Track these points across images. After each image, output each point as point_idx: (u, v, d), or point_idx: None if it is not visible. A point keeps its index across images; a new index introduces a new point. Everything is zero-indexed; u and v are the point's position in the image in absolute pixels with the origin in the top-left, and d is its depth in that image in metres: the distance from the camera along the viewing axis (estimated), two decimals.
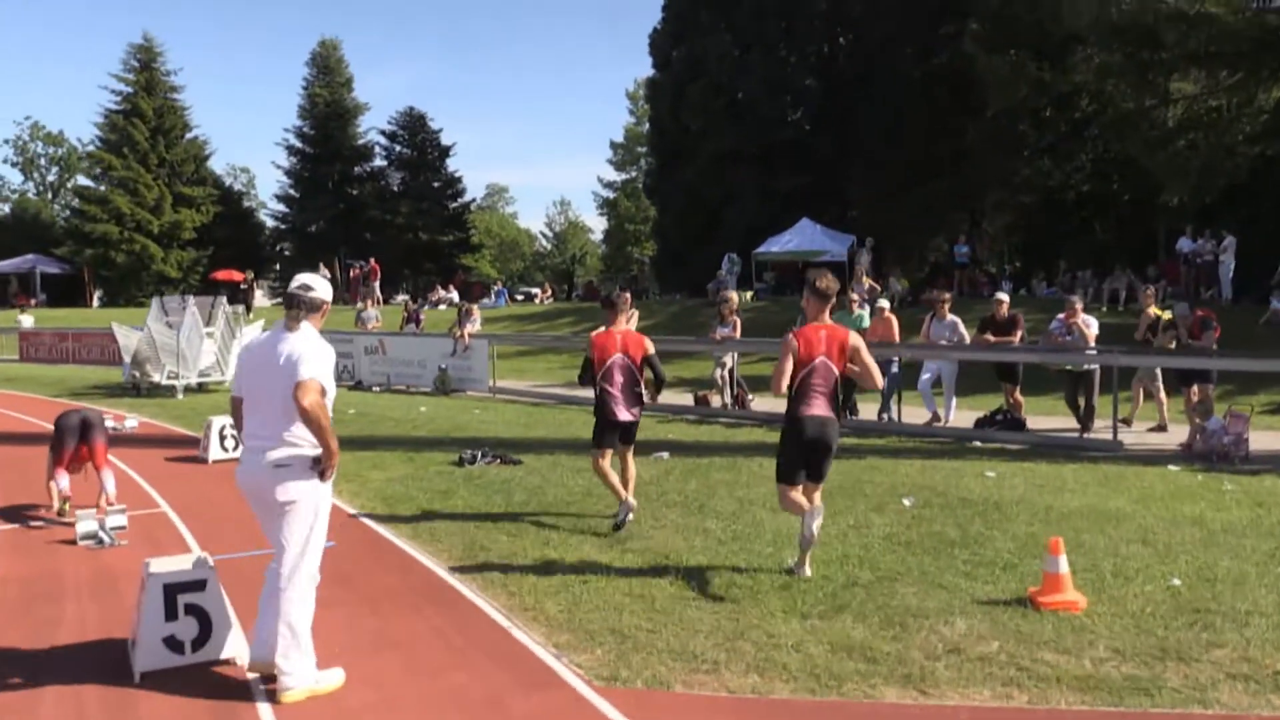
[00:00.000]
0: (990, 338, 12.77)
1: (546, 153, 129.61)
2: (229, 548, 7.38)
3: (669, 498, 8.98)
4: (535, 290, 56.19)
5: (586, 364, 8.08)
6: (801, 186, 38.91)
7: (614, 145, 70.47)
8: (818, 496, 6.68)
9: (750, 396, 15.30)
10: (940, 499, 8.82)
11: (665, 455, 11.09)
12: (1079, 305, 12.49)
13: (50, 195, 66.87)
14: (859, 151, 38.46)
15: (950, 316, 13.19)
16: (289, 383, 4.55)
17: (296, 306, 4.77)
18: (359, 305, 24.74)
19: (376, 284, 38.28)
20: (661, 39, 44.30)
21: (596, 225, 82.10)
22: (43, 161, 69.03)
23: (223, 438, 11.46)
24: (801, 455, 6.43)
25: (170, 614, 5.00)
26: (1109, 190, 35.19)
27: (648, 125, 55.61)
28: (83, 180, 57.64)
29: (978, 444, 11.93)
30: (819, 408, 6.35)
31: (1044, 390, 14.64)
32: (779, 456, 6.59)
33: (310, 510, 4.72)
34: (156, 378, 19.35)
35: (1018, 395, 12.83)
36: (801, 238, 34.49)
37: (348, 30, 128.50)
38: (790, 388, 6.38)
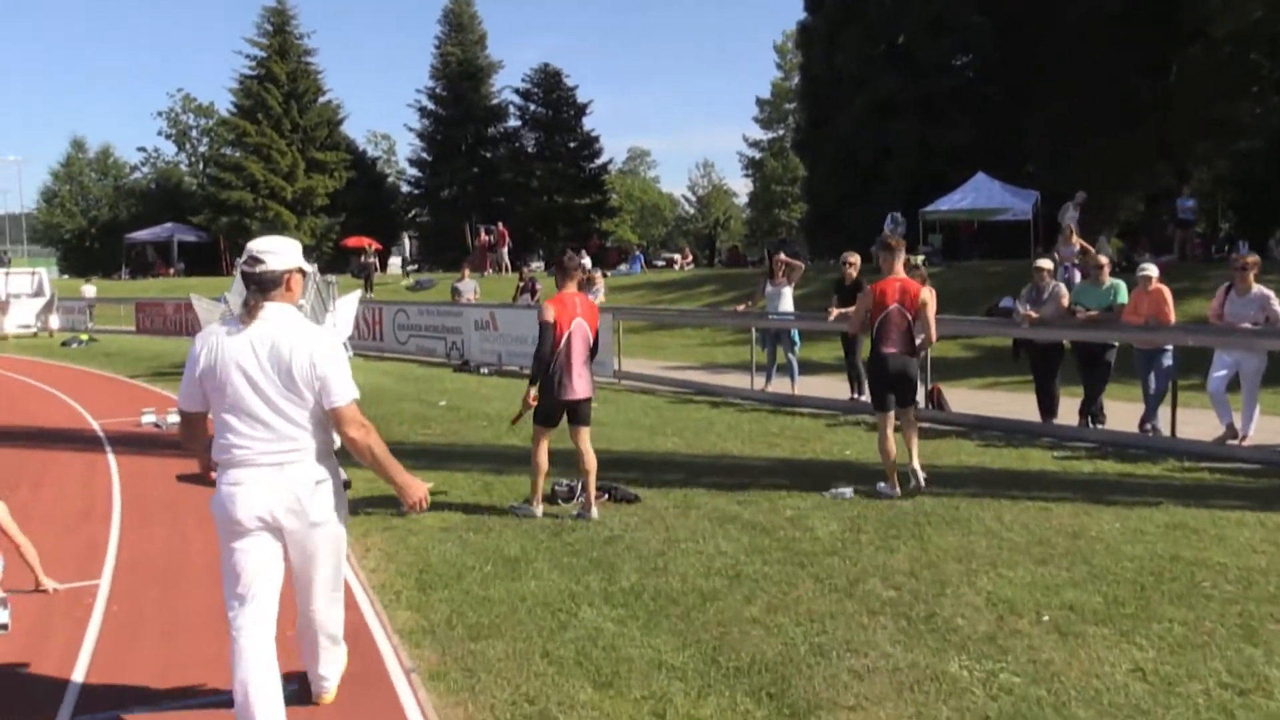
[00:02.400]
0: None
1: (689, 116, 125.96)
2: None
3: (870, 591, 5.49)
4: (675, 256, 53.04)
5: (547, 331, 7.07)
6: (970, 139, 34.57)
7: (760, 102, 66.51)
8: (916, 447, 7.84)
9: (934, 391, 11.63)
10: (1225, 601, 5.09)
11: (848, 493, 7.61)
12: None
13: (201, 166, 67.33)
14: (1037, 97, 33.73)
15: (1257, 288, 9.19)
16: (300, 390, 3.75)
17: (251, 287, 3.79)
18: (462, 275, 21.87)
19: (505, 250, 35.74)
20: None
21: (740, 189, 78.63)
22: (194, 133, 69.79)
23: None
24: (889, 385, 7.75)
25: None
26: None
27: (797, 78, 51.49)
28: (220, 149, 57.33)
29: None
30: (895, 345, 7.71)
31: None
32: (871, 389, 8.24)
33: (341, 530, 4.04)
34: None
35: None
36: (977, 194, 30.18)
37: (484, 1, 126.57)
38: (871, 331, 7.78)
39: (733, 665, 4.50)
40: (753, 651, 4.64)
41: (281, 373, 3.73)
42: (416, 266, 48.63)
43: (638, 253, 37.47)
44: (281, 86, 51.56)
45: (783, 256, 13.39)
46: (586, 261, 33.21)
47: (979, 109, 35.81)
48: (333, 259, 46.94)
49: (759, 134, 67.33)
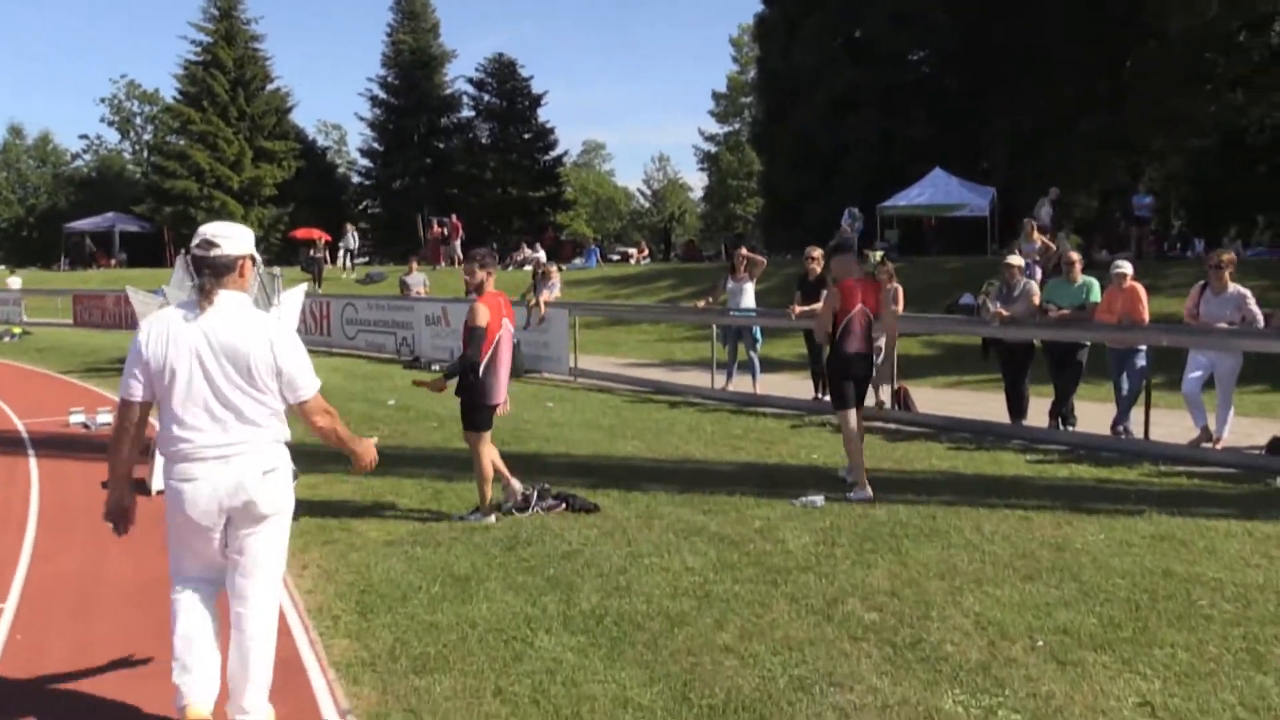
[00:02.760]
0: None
1: (644, 109, 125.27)
2: None
3: (851, 613, 5.09)
4: (631, 250, 52.54)
5: (478, 337, 6.77)
6: (928, 133, 34.50)
7: (716, 96, 66.17)
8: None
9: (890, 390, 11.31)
10: (1226, 623, 4.78)
11: (818, 501, 7.22)
12: None
13: (145, 155, 65.50)
14: (996, 92, 33.74)
15: (1233, 287, 8.94)
16: (257, 382, 3.63)
17: (204, 272, 3.63)
18: (410, 268, 21.22)
19: (458, 243, 34.97)
20: None
21: (696, 184, 78.30)
22: (138, 120, 68.00)
23: None
24: (851, 382, 7.74)
25: None
26: None
27: (754, 71, 51.30)
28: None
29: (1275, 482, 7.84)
30: (859, 345, 7.74)
31: None
32: (832, 387, 7.96)
33: (289, 520, 3.90)
34: None
35: None
36: (934, 190, 30.19)
37: None
38: (835, 332, 7.73)
39: (706, 703, 4.08)
40: (727, 686, 4.22)
41: (238, 364, 3.60)
42: (366, 259, 47.64)
43: (593, 246, 36.88)
44: (228, 73, 50.30)
45: (744, 251, 13.01)
46: (541, 255, 32.76)
47: (938, 103, 35.78)
48: (281, 250, 45.90)
49: (715, 128, 67.08)
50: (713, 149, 67.19)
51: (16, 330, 25.25)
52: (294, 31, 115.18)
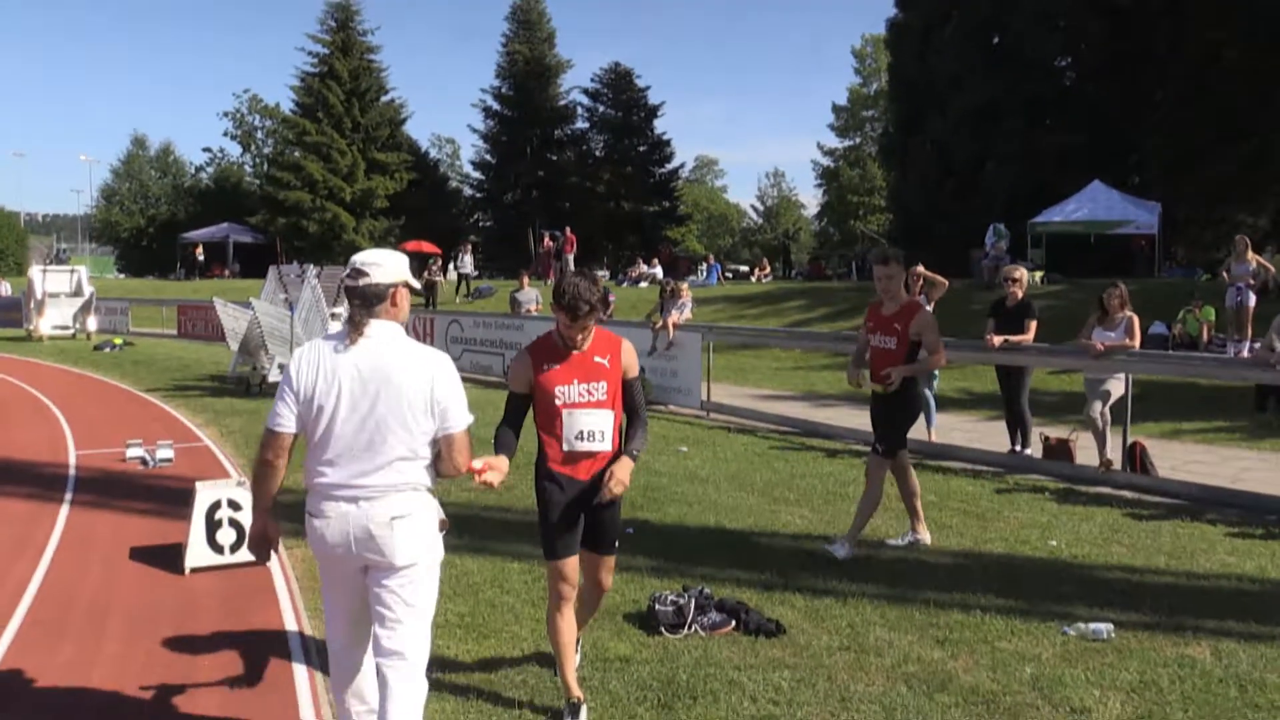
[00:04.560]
0: None
1: (758, 126, 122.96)
2: None
3: None
4: (744, 267, 50.27)
5: (519, 405, 4.16)
6: (1075, 145, 31.47)
7: (836, 109, 63.60)
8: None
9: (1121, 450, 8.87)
10: None
11: (1104, 631, 4.95)
12: None
13: (264, 167, 65.95)
14: (1152, 102, 30.61)
15: None
16: (409, 417, 3.40)
17: (355, 302, 3.46)
18: (521, 283, 19.35)
19: (571, 257, 33.34)
20: None
21: (809, 200, 75.79)
22: (259, 134, 68.77)
23: (215, 528, 6.18)
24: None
25: None
26: None
27: (885, 78, 48.86)
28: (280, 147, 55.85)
29: None
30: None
31: None
32: (902, 429, 6.54)
33: (434, 571, 3.57)
34: (269, 373, 14.62)
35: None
36: (1094, 205, 27.27)
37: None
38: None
39: None
40: None
41: (389, 398, 3.40)
42: (478, 275, 46.53)
43: (714, 263, 34.73)
44: (343, 84, 49.96)
45: (922, 269, 10.73)
46: (658, 271, 30.82)
47: (1087, 113, 32.75)
48: None
49: (834, 142, 64.47)
50: (831, 164, 64.60)
51: (118, 341, 24.41)
52: (410, 43, 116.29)
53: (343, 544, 3.41)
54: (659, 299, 14.92)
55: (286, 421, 3.44)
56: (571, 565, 4.07)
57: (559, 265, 33.02)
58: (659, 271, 31.17)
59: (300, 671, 4.71)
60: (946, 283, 10.75)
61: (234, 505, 6.21)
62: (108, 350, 23.04)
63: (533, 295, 18.36)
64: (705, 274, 32.97)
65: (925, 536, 6.65)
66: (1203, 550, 6.51)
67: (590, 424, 4.03)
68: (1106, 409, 8.79)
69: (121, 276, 53.34)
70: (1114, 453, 8.78)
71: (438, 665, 4.64)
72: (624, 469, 4.02)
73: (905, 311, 6.39)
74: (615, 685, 4.29)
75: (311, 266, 15.34)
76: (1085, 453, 9.13)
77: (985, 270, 23.71)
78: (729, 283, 33.43)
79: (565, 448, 4.04)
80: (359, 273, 3.44)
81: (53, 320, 27.09)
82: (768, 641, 4.87)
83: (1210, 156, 28.98)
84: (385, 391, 3.38)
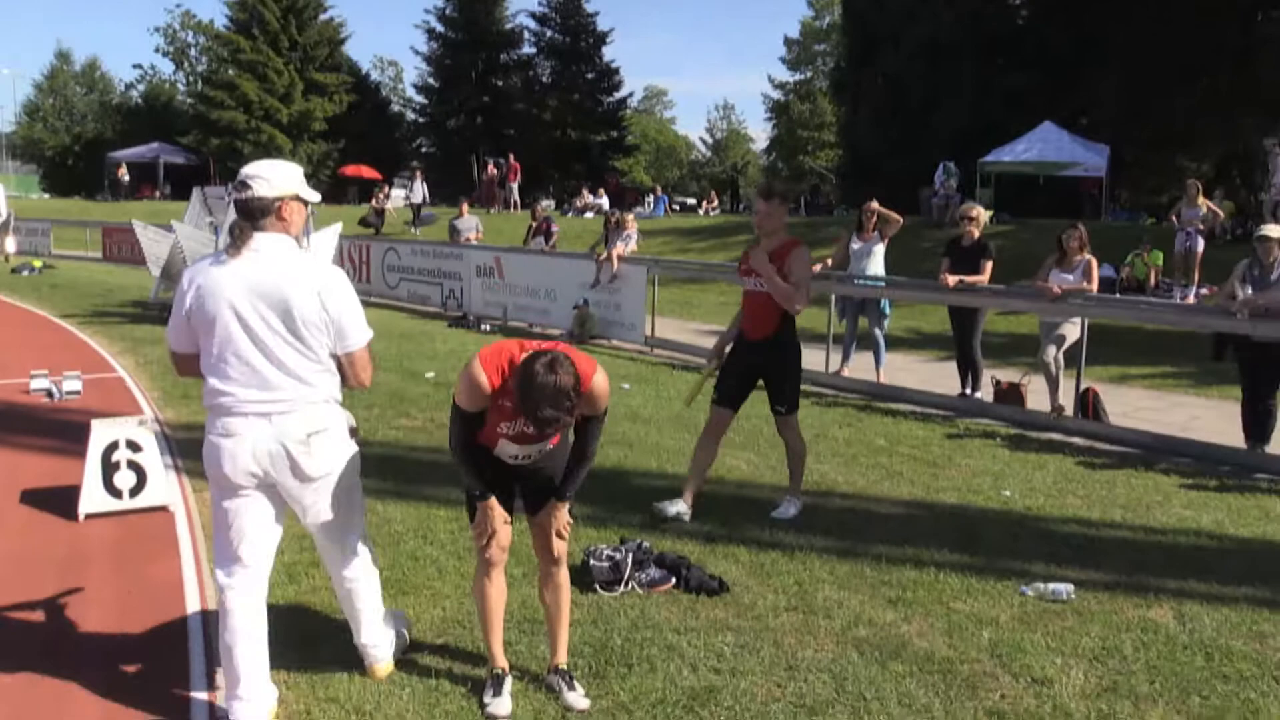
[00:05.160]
0: None
1: (707, 58, 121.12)
2: None
3: None
4: (692, 200, 49.64)
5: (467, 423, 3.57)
6: (1029, 83, 31.24)
7: (788, 41, 62.85)
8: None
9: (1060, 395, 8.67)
10: None
11: (1064, 591, 4.69)
12: None
13: (199, 86, 63.25)
14: (1107, 43, 30.39)
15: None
16: (301, 332, 3.35)
17: (241, 216, 3.41)
18: (461, 211, 18.67)
19: (515, 185, 32.56)
20: None
21: (758, 135, 75.09)
22: (193, 52, 65.96)
23: (112, 470, 5.67)
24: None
25: None
26: None
27: (838, 11, 48.01)
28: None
29: None
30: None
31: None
32: (797, 386, 5.84)
33: (352, 474, 3.62)
34: None
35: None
36: (1045, 145, 27.00)
37: None
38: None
39: None
40: None
41: (278, 312, 3.32)
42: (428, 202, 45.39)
43: (661, 194, 34.10)
44: (280, 1, 47.83)
45: (875, 205, 10.36)
46: (604, 202, 30.17)
47: (1041, 52, 32.43)
48: (332, 188, 43.70)
49: (785, 75, 63.71)
50: (782, 97, 63.83)
51: (37, 263, 23.28)
52: None
53: (255, 461, 3.35)
54: (604, 230, 14.43)
55: (180, 341, 3.45)
56: (499, 511, 3.63)
57: (503, 194, 32.24)
58: (605, 202, 30.50)
59: (195, 624, 4.30)
60: (901, 220, 10.39)
61: (134, 446, 5.70)
62: (25, 273, 21.95)
63: (472, 223, 17.74)
64: (652, 206, 32.46)
65: (795, 507, 5.86)
66: (1158, 503, 6.30)
67: (527, 452, 3.58)
68: (1060, 354, 8.56)
69: (46, 197, 51.16)
70: (1066, 398, 8.56)
71: (347, 626, 4.24)
72: (560, 518, 3.66)
73: (784, 248, 5.62)
74: (544, 650, 3.92)
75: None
76: (1035, 397, 8.92)
77: (935, 208, 23.49)
78: (676, 215, 32.91)
79: (494, 450, 3.59)
80: (244, 185, 3.36)
81: None
82: (710, 601, 4.54)
83: (1159, 100, 28.96)
84: (273, 306, 3.32)
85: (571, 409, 3.26)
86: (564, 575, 3.75)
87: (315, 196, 3.56)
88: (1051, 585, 4.67)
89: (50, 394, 8.93)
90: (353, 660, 3.87)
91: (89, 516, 5.61)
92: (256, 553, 3.48)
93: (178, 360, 3.53)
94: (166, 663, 3.98)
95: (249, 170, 3.42)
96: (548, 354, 3.23)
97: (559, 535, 3.64)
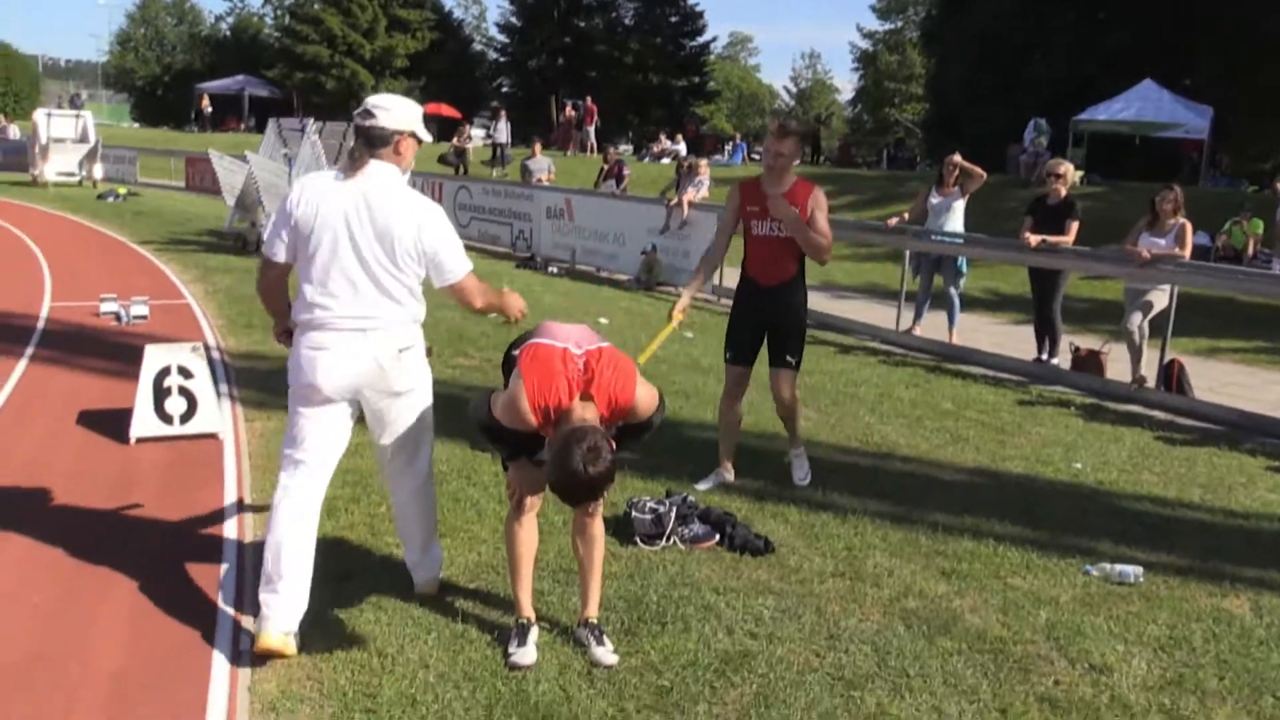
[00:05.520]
0: None
1: (794, 6, 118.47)
2: None
3: None
4: None
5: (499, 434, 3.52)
6: (1128, 41, 29.76)
7: None
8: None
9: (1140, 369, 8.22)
10: None
11: (1131, 574, 4.40)
12: None
13: (285, 19, 63.62)
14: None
15: None
16: (399, 260, 3.46)
17: (359, 140, 3.52)
18: (534, 151, 18.44)
19: (592, 129, 32.20)
20: None
21: (844, 87, 73.41)
22: None
23: (163, 396, 5.66)
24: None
25: None
26: None
27: None
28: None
29: None
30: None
31: None
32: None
33: (428, 396, 3.77)
34: (265, 230, 14.00)
35: None
36: (1144, 104, 25.75)
37: None
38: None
39: None
40: None
41: (382, 237, 3.44)
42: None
43: (739, 142, 33.49)
44: None
45: (958, 158, 9.92)
46: (681, 148, 29.71)
47: (1142, 8, 30.87)
48: None
49: (875, 25, 61.93)
50: (870, 48, 62.16)
51: (122, 190, 23.72)
52: None
53: (349, 374, 3.46)
54: (675, 175, 14.15)
55: (279, 250, 3.50)
56: (531, 471, 3.52)
57: (579, 136, 31.95)
58: (683, 148, 30.02)
59: (230, 550, 4.28)
60: (984, 175, 9.94)
61: (185, 373, 5.68)
62: (110, 200, 22.39)
63: (545, 164, 17.58)
64: (730, 153, 31.86)
65: (805, 461, 5.48)
66: (1241, 485, 5.94)
67: None
68: (1145, 322, 8.12)
69: (136, 126, 52.24)
70: (1149, 369, 8.15)
71: (381, 565, 4.17)
72: None
73: (800, 191, 5.12)
74: (576, 603, 3.79)
75: (312, 121, 14.53)
76: (1116, 366, 8.51)
77: (1022, 166, 22.67)
78: (754, 164, 32.31)
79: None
80: (368, 113, 3.48)
81: (57, 166, 26.30)
82: (753, 561, 4.37)
83: (1268, 64, 27.47)
84: (378, 230, 3.42)
85: (605, 492, 3.23)
86: (598, 527, 3.61)
87: (428, 137, 3.67)
88: (1119, 566, 4.39)
89: (118, 317, 9.04)
90: (381, 601, 3.80)
91: (140, 440, 5.62)
92: (323, 458, 3.57)
93: (268, 271, 3.58)
94: (198, 585, 3.95)
95: (375, 100, 3.55)
96: (587, 436, 3.05)
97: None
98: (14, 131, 33.13)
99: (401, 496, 3.82)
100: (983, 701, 3.31)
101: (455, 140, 27.86)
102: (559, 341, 3.37)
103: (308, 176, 3.56)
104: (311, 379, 3.47)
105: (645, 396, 3.37)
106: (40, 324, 8.89)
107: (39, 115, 26.62)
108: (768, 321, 5.30)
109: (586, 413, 3.24)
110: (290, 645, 3.39)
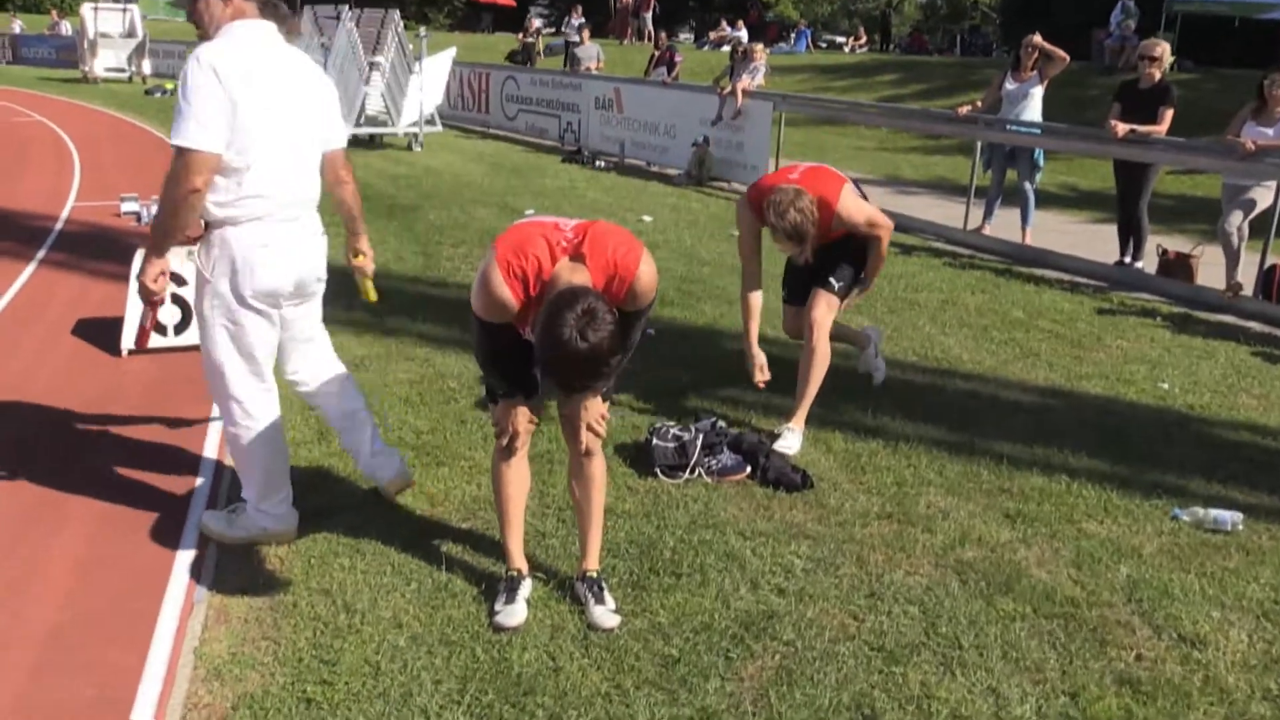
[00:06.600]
0: None
1: None
2: None
3: None
4: (840, 38, 46.64)
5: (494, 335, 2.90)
6: None
7: None
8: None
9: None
10: None
11: (1228, 521, 3.79)
12: None
13: None
14: None
15: None
16: (319, 127, 3.21)
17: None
18: (582, 39, 17.47)
19: (649, 15, 30.88)
20: None
21: None
22: None
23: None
24: None
25: None
26: None
27: None
28: None
29: None
30: None
31: None
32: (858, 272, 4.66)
33: None
34: None
35: None
36: None
37: None
38: None
39: None
40: None
41: (306, 103, 3.13)
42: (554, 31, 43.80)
43: (804, 28, 31.93)
44: None
45: (1038, 40, 8.97)
46: (743, 35, 28.35)
47: None
48: (465, 15, 42.64)
49: None
50: None
51: (170, 86, 23.28)
52: None
53: (292, 271, 3.14)
54: (729, 61, 13.26)
55: (215, 140, 2.87)
56: (523, 412, 3.01)
57: (636, 24, 30.68)
58: (744, 35, 28.64)
59: (207, 468, 3.90)
60: (1066, 58, 8.98)
61: (178, 280, 5.24)
62: (158, 95, 22.02)
63: (593, 51, 16.71)
64: (794, 41, 30.38)
65: (798, 438, 4.41)
66: None
67: None
68: (1245, 223, 7.29)
69: (183, 20, 51.59)
70: (1245, 275, 7.33)
71: (367, 498, 3.73)
72: (594, 410, 2.93)
73: (823, 212, 4.34)
74: (579, 550, 3.31)
75: (347, 8, 13.83)
76: (1209, 271, 7.69)
77: (1108, 51, 21.13)
78: (819, 52, 30.84)
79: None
80: None
81: (106, 62, 25.97)
82: (788, 498, 3.85)
83: None
84: (301, 96, 3.12)
85: (611, 374, 2.59)
86: (598, 467, 3.09)
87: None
88: (1213, 511, 3.79)
89: (139, 218, 8.65)
90: (361, 545, 3.36)
91: (132, 353, 5.23)
92: (267, 371, 3.29)
93: (200, 164, 2.86)
94: (163, 515, 3.55)
95: None
96: (581, 298, 2.44)
97: (591, 430, 2.96)
98: (65, 27, 32.77)
99: (338, 403, 3.57)
100: (1050, 682, 2.78)
101: (521, 36, 26.97)
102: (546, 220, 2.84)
103: (221, 50, 2.91)
104: (264, 283, 3.09)
105: (649, 273, 2.76)
106: (59, 225, 8.55)
107: (86, 9, 26.17)
108: (820, 256, 4.59)
109: (576, 276, 2.66)
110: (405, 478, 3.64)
